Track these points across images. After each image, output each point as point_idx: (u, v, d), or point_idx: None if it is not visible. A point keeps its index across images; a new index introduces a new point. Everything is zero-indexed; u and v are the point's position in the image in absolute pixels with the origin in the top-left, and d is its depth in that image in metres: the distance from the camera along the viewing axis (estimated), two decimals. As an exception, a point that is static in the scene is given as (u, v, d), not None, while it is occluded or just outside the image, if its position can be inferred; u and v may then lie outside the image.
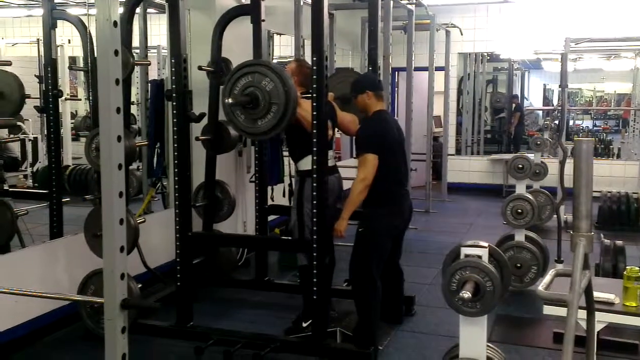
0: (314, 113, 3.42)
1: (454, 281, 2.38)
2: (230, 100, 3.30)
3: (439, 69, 8.88)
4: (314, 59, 3.40)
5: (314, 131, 3.42)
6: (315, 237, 3.49)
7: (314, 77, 3.40)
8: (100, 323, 3.71)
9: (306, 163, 3.69)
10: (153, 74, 6.24)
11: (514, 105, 12.21)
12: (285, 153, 4.96)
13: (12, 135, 6.13)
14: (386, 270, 3.91)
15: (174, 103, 3.72)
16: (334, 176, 3.94)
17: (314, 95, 3.41)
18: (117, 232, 1.95)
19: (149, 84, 5.41)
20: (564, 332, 1.74)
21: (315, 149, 3.43)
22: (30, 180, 6.74)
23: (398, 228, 3.92)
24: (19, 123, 6.25)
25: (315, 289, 3.52)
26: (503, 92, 12.45)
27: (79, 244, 3.80)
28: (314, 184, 3.46)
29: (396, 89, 9.89)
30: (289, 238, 4.25)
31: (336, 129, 4.14)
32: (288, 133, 3.94)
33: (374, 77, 4.08)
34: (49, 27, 4.24)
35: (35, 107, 4.85)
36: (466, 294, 2.28)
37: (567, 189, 4.15)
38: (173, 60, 3.69)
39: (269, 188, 4.89)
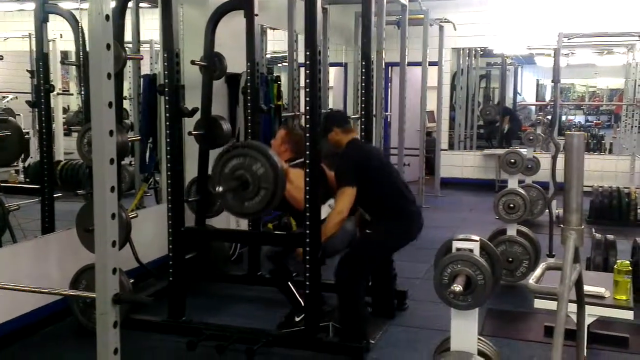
0: (307, 108, 3.42)
1: (446, 275, 2.39)
2: (220, 189, 3.32)
3: (432, 64, 8.89)
4: (307, 53, 3.41)
5: (307, 117, 3.43)
6: (307, 231, 3.49)
7: (307, 72, 3.40)
8: (92, 318, 3.70)
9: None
10: (145, 69, 6.22)
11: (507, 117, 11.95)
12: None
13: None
14: (378, 265, 3.94)
15: (167, 98, 3.72)
16: (348, 219, 3.95)
17: (307, 90, 3.42)
18: (109, 227, 1.95)
19: (142, 79, 5.39)
20: (554, 325, 1.76)
21: (307, 152, 3.45)
22: (22, 176, 6.71)
23: (402, 245, 3.97)
24: (10, 118, 6.22)
25: (307, 283, 3.53)
26: (492, 105, 12.20)
27: (70, 239, 3.79)
28: (307, 179, 3.47)
29: (389, 83, 9.90)
30: (282, 233, 4.25)
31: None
32: (282, 205, 3.98)
33: (338, 113, 4.31)
34: (41, 21, 4.22)
35: (27, 101, 4.82)
36: (457, 287, 2.29)
37: (559, 184, 4.17)
38: (165, 55, 3.68)
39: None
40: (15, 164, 6.76)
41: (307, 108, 3.43)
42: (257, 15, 4.30)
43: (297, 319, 3.94)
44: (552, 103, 6.41)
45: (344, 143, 3.92)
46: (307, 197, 3.48)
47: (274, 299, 4.56)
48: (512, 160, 5.09)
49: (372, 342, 3.78)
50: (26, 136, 6.65)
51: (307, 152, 3.46)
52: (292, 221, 4.89)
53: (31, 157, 6.75)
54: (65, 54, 6.93)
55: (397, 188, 3.88)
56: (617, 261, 3.38)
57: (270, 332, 3.78)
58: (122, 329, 2.00)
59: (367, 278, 3.88)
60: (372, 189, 3.78)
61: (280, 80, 5.94)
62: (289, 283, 4.10)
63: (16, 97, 6.99)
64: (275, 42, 7.83)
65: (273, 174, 3.30)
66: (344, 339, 3.63)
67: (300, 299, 4.00)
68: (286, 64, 6.69)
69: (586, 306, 2.25)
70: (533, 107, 14.18)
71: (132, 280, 3.72)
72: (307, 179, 3.47)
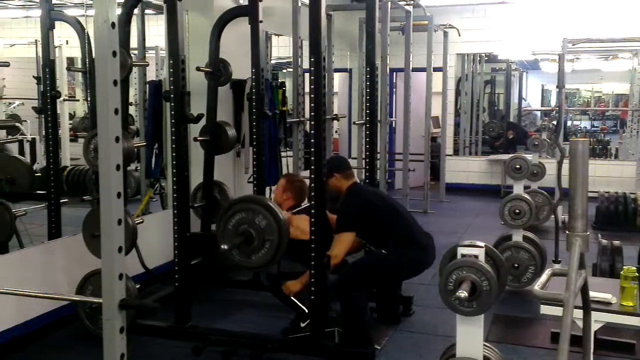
0: (312, 114, 3.43)
1: (451, 281, 2.39)
2: (226, 247, 3.34)
3: (436, 69, 8.88)
4: (312, 59, 3.41)
5: (312, 123, 3.45)
6: (312, 237, 3.50)
7: (312, 77, 3.41)
8: (98, 323, 3.69)
9: None
10: (151, 75, 6.25)
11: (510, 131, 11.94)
12: (284, 154, 4.99)
13: (10, 137, 6.13)
14: (382, 285, 3.96)
15: (172, 104, 3.73)
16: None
17: (311, 95, 3.43)
18: (116, 232, 1.95)
19: (147, 85, 5.41)
20: (560, 331, 1.75)
21: (312, 149, 3.45)
22: (29, 181, 6.73)
23: (411, 276, 4.00)
24: (17, 124, 6.26)
25: (312, 289, 3.53)
26: (495, 122, 12.17)
27: (77, 244, 3.80)
28: (312, 193, 3.49)
29: (394, 89, 9.90)
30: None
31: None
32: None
33: (339, 158, 4.31)
34: (47, 28, 4.25)
35: (33, 108, 4.86)
36: (463, 293, 2.29)
37: (564, 190, 4.16)
38: (171, 61, 3.70)
39: (267, 189, 4.89)
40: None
41: (312, 114, 3.44)
42: (261, 21, 4.31)
43: (302, 325, 3.94)
44: (557, 108, 6.40)
45: (344, 188, 3.95)
46: (313, 203, 3.48)
47: (279, 304, 4.55)
48: (518, 166, 5.07)
49: (378, 347, 3.77)
50: (28, 140, 6.71)
51: (312, 158, 3.45)
52: None
53: (37, 163, 6.78)
54: (71, 61, 6.97)
55: (407, 223, 3.90)
56: (624, 267, 3.36)
57: (275, 337, 3.78)
58: (128, 334, 2.01)
59: (368, 289, 3.88)
60: (381, 228, 3.83)
61: (285, 86, 5.95)
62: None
63: (22, 103, 7.03)
64: (280, 48, 7.85)
65: (276, 225, 3.33)
66: (349, 345, 3.63)
67: (301, 305, 4.00)
68: (291, 69, 6.70)
69: (592, 312, 2.24)
70: (538, 113, 14.15)
71: (138, 286, 3.73)
72: (313, 193, 3.48)
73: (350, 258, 4.01)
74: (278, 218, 3.34)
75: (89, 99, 5.17)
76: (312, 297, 3.54)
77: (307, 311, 3.79)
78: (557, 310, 3.01)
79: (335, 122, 7.29)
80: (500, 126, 11.78)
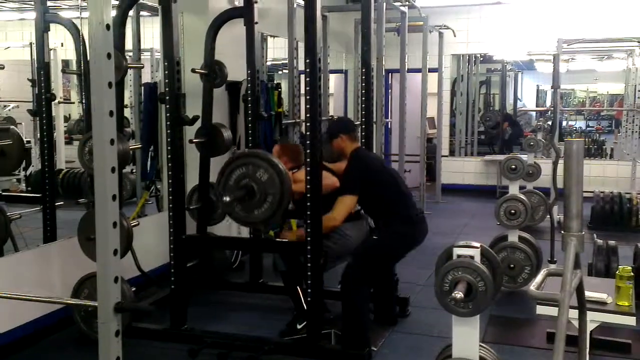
0: (307, 115, 3.43)
1: (447, 281, 2.39)
2: (227, 199, 3.33)
3: (432, 70, 8.90)
4: (307, 61, 3.42)
5: (307, 124, 3.45)
6: (309, 238, 3.49)
7: (307, 79, 3.41)
8: (94, 326, 3.68)
9: None
10: (146, 77, 6.23)
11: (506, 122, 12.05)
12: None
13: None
14: (382, 271, 3.94)
15: (167, 106, 3.73)
16: (359, 222, 4.01)
17: (307, 97, 3.43)
18: (111, 235, 1.95)
19: (142, 87, 5.41)
20: (556, 331, 1.76)
21: (308, 150, 3.45)
22: (24, 184, 6.72)
23: (406, 252, 3.99)
24: (12, 127, 6.23)
25: (309, 290, 3.53)
26: (493, 110, 12.34)
27: (72, 247, 3.79)
28: (308, 186, 3.47)
29: (390, 90, 9.92)
30: (284, 240, 4.25)
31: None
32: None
33: (346, 120, 4.35)
34: (42, 31, 4.24)
35: (28, 110, 4.84)
36: (458, 294, 2.29)
37: (560, 190, 4.17)
38: (166, 63, 3.70)
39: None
40: (16, 172, 6.78)
41: (308, 115, 3.44)
42: (257, 23, 4.32)
43: (299, 327, 3.94)
44: (553, 109, 6.42)
45: (349, 151, 3.95)
46: (309, 204, 3.48)
47: (275, 306, 4.56)
48: (513, 166, 5.08)
49: (374, 349, 3.77)
50: (27, 145, 6.68)
51: (308, 159, 3.46)
52: (293, 223, 4.89)
53: (32, 166, 6.76)
54: (66, 63, 6.95)
55: (402, 195, 3.93)
56: (619, 267, 3.37)
57: (272, 339, 3.77)
58: (123, 337, 2.01)
59: (370, 283, 3.88)
60: (378, 196, 3.85)
61: (280, 88, 5.96)
62: (298, 288, 4.08)
63: (17, 106, 6.99)
64: (276, 50, 7.85)
65: (278, 178, 3.30)
66: (346, 346, 3.63)
67: (305, 306, 3.99)
68: (286, 71, 6.70)
69: (588, 312, 2.25)
70: (533, 113, 14.19)
71: (133, 289, 3.72)
72: (308, 186, 3.47)
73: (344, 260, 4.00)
74: (280, 172, 3.31)
75: (84, 102, 5.17)
76: (309, 299, 3.54)
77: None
78: (552, 311, 3.01)
79: (330, 123, 7.29)
80: (497, 116, 11.83)
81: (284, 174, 3.34)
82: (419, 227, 3.94)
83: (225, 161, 3.50)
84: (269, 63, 7.55)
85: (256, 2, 4.29)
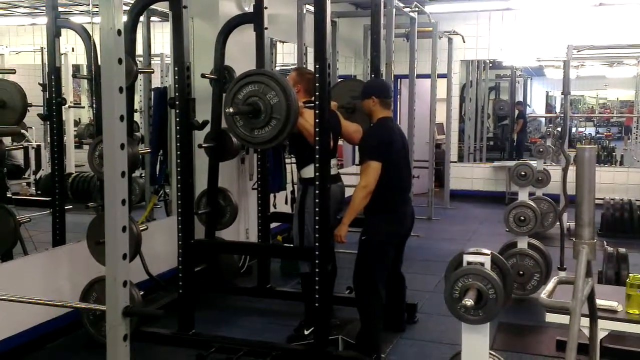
0: (316, 120, 3.42)
1: (456, 289, 2.37)
2: (231, 110, 3.30)
3: (441, 76, 8.89)
4: (317, 66, 3.41)
5: (316, 138, 3.42)
6: (317, 244, 3.48)
7: (317, 84, 3.41)
8: (102, 330, 3.69)
9: (309, 171, 3.66)
10: (156, 82, 6.26)
11: (517, 112, 12.21)
12: (288, 160, 4.98)
13: (15, 143, 6.15)
14: (388, 277, 3.91)
15: (177, 111, 3.73)
16: (336, 185, 3.92)
17: (316, 102, 3.41)
18: (120, 239, 1.96)
19: (152, 92, 5.43)
20: (567, 340, 1.74)
21: (317, 156, 3.43)
22: (33, 188, 6.76)
23: (400, 235, 3.92)
24: (22, 131, 6.27)
25: (317, 296, 3.51)
26: (506, 100, 12.48)
27: (81, 251, 3.81)
28: (316, 191, 3.46)
29: (399, 96, 9.90)
30: (291, 245, 4.24)
31: (340, 138, 4.13)
32: (292, 140, 3.93)
33: (383, 84, 4.05)
34: (53, 36, 4.26)
35: (38, 114, 4.87)
36: (468, 301, 2.27)
37: (569, 196, 4.14)
38: (176, 68, 3.71)
39: (272, 195, 4.89)
40: (26, 176, 6.82)
41: (317, 120, 3.43)
42: (266, 28, 4.32)
43: (306, 332, 3.92)
44: (562, 115, 6.39)
45: (377, 116, 3.76)
46: (318, 209, 3.47)
47: (283, 311, 4.55)
48: (523, 173, 5.07)
49: (383, 355, 3.75)
50: (33, 147, 6.72)
51: (317, 156, 3.42)
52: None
53: (42, 170, 6.80)
54: (77, 68, 7.01)
55: (399, 181, 3.81)
56: (630, 274, 3.34)
57: (279, 345, 3.76)
58: (132, 342, 2.01)
59: (383, 281, 3.80)
60: (383, 174, 3.66)
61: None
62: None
63: (28, 110, 7.04)
64: (285, 55, 7.87)
65: (286, 104, 3.24)
66: (354, 352, 3.61)
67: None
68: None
69: (598, 320, 2.23)
70: (543, 119, 14.15)
71: (142, 293, 3.72)
72: (318, 200, 3.46)
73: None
74: (291, 101, 3.24)
75: (94, 106, 5.19)
76: (316, 305, 3.53)
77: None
78: (562, 318, 2.99)
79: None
80: (510, 106, 11.83)
81: (294, 104, 3.26)
82: (406, 212, 3.87)
83: (242, 73, 3.44)
84: (278, 68, 7.56)
85: (266, 8, 4.30)
